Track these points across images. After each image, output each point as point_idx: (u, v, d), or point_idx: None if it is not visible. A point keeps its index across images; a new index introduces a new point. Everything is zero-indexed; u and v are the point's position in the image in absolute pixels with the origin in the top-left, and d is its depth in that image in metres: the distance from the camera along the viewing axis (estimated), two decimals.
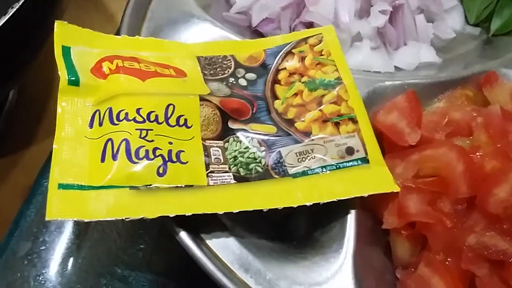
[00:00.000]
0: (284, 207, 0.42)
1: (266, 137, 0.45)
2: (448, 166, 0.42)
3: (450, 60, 0.60)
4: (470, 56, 0.60)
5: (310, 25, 0.58)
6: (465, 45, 0.62)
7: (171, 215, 0.39)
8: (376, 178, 0.44)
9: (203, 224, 0.41)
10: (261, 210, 0.41)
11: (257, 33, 0.59)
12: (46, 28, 0.47)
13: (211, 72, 0.50)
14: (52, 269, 0.47)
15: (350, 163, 0.45)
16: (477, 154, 0.44)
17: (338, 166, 0.44)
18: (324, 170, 0.44)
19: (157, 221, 0.39)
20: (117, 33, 0.53)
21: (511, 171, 0.41)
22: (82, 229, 0.49)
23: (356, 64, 0.56)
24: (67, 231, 0.49)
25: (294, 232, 0.45)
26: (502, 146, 0.43)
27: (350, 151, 0.45)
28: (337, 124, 0.46)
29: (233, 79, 0.49)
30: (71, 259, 0.47)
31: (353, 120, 0.47)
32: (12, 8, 0.49)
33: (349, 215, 0.43)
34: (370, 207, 0.45)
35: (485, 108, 0.47)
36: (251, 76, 0.50)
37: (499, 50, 0.59)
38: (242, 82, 0.50)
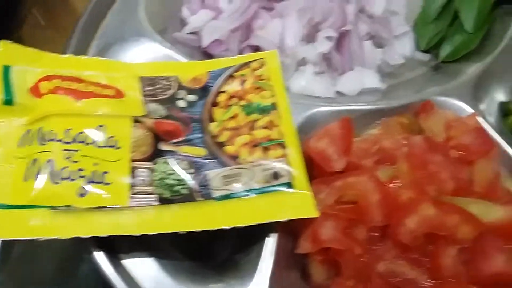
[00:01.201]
0: (205, 230, 0.43)
1: (195, 160, 0.47)
2: (365, 194, 0.43)
3: (395, 86, 0.61)
4: (416, 83, 0.61)
5: (258, 48, 0.59)
6: (413, 71, 0.63)
7: (85, 236, 0.40)
8: (298, 204, 0.45)
9: (123, 244, 0.42)
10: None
11: (207, 55, 0.61)
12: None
13: (152, 92, 0.51)
14: None
15: (275, 188, 0.46)
16: (397, 183, 0.45)
17: (262, 191, 0.46)
18: (248, 194, 0.45)
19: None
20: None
21: (422, 203, 0.42)
22: (7, 244, 0.50)
23: (299, 88, 0.58)
24: None
25: (216, 253, 0.46)
26: (419, 177, 0.44)
27: (276, 176, 0.46)
28: (266, 149, 0.48)
29: (172, 100, 0.51)
30: None
31: (282, 146, 0.48)
32: None
33: (270, 239, 0.45)
34: (291, 231, 0.46)
35: (410, 138, 0.48)
36: (191, 97, 0.52)
37: (446, 77, 0.61)
38: (182, 103, 0.51)
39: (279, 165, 0.47)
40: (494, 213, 0.42)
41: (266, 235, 0.45)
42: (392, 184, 0.45)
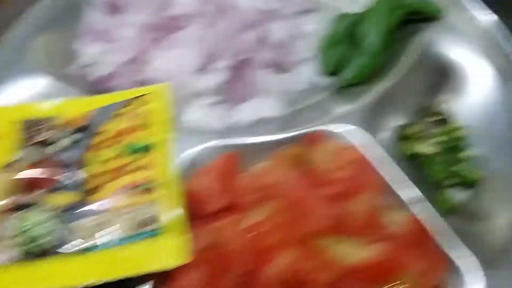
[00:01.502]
0: None
1: (63, 208, 0.45)
2: (229, 239, 0.42)
3: (295, 114, 0.59)
4: (316, 109, 0.60)
5: (151, 81, 0.58)
6: (315, 97, 0.61)
7: None
8: (168, 251, 0.43)
9: None
10: None
11: (98, 90, 0.59)
12: None
13: (29, 136, 0.50)
14: None
15: (144, 235, 0.44)
16: (268, 224, 0.43)
17: (131, 239, 0.44)
18: (116, 243, 0.43)
19: None
20: None
21: (284, 248, 0.40)
22: None
23: (192, 121, 0.56)
24: None
25: None
26: (292, 216, 0.43)
27: (146, 222, 0.45)
28: (139, 193, 0.46)
29: (49, 143, 0.49)
30: None
31: (156, 189, 0.46)
32: None
33: None
34: (165, 279, 0.44)
35: (288, 173, 0.47)
36: (70, 139, 0.50)
37: (346, 101, 0.59)
38: (60, 145, 0.49)
39: (151, 210, 0.45)
40: (359, 253, 0.41)
41: (139, 283, 0.43)
42: (263, 226, 0.43)
